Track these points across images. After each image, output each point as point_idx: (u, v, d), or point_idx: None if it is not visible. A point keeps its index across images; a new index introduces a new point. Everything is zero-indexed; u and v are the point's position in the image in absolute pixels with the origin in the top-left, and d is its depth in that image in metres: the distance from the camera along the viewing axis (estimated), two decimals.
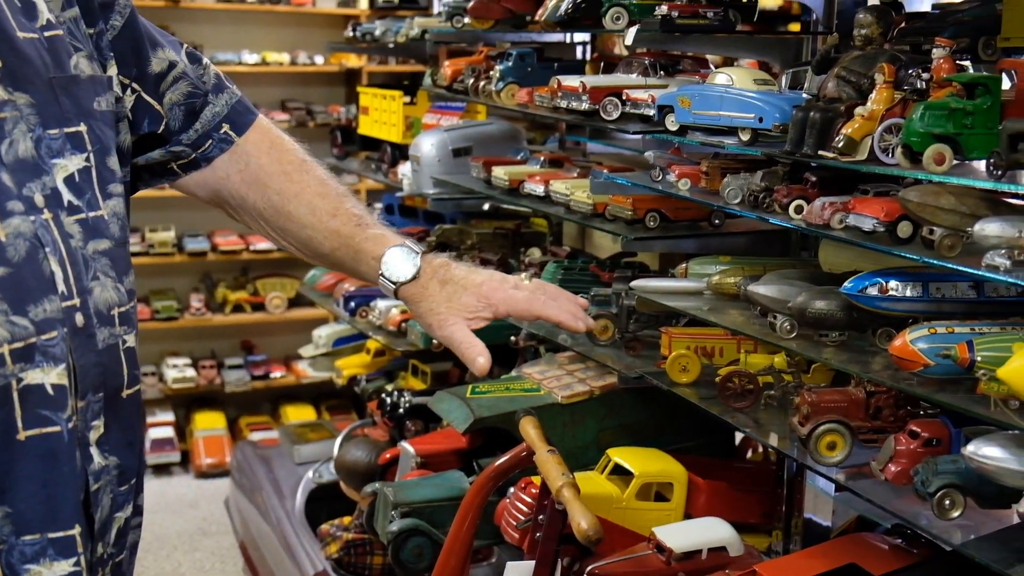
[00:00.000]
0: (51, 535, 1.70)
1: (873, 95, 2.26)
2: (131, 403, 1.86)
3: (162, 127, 2.08)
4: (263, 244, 8.09)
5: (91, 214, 1.80)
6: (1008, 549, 2.08)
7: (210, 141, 2.13)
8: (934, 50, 2.21)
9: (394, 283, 2.17)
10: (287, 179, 2.17)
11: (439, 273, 2.19)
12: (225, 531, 6.39)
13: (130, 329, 1.85)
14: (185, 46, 2.15)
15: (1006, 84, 2.17)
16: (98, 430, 1.78)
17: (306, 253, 2.25)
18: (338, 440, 4.92)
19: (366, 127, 5.65)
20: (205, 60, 2.18)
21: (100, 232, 1.81)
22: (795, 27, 3.45)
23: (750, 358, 2.89)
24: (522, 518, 2.96)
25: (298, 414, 7.83)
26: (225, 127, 2.14)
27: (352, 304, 4.98)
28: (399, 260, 2.17)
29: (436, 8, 6.05)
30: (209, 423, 7.88)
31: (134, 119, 2.03)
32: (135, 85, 2.02)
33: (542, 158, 4.04)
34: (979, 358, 1.98)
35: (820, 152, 2.33)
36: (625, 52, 3.53)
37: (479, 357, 2.16)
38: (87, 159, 1.81)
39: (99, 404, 1.78)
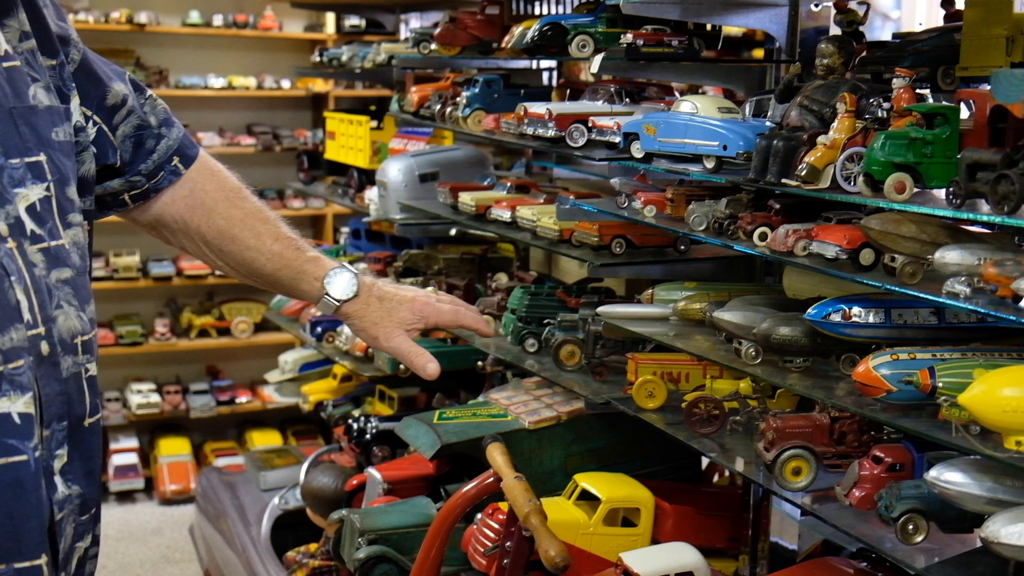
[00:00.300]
0: (17, 565, 1.69)
1: (835, 124, 2.29)
2: (92, 432, 1.87)
3: (119, 159, 2.14)
4: None
5: (53, 243, 1.81)
6: (970, 573, 2.10)
7: (162, 172, 2.21)
8: (894, 80, 2.25)
9: (338, 301, 2.35)
10: (231, 205, 2.30)
11: (374, 290, 2.40)
12: (189, 559, 6.33)
13: (92, 358, 1.87)
14: (128, 75, 2.22)
15: (965, 114, 2.20)
16: (62, 459, 1.78)
17: (241, 272, 2.36)
18: (304, 466, 4.89)
19: (333, 152, 5.66)
20: (149, 91, 2.25)
21: (62, 261, 1.82)
22: (759, 53, 3.49)
23: (716, 383, 2.90)
24: (489, 544, 2.95)
25: (264, 439, 7.78)
26: (175, 160, 2.24)
27: (319, 329, 4.97)
28: (341, 280, 2.35)
29: (403, 33, 6.07)
30: (174, 449, 7.80)
31: (98, 150, 2.07)
32: (96, 117, 2.07)
33: (509, 184, 4.05)
34: (941, 384, 2.01)
35: (783, 180, 2.35)
36: (591, 78, 3.56)
37: (429, 364, 2.40)
38: (47, 188, 1.82)
39: (63, 433, 1.78)
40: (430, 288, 3.21)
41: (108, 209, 2.23)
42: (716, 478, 3.71)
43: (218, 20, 8.01)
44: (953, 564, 2.16)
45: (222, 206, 2.29)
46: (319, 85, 8.22)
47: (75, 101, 1.99)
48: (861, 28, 2.94)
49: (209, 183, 2.29)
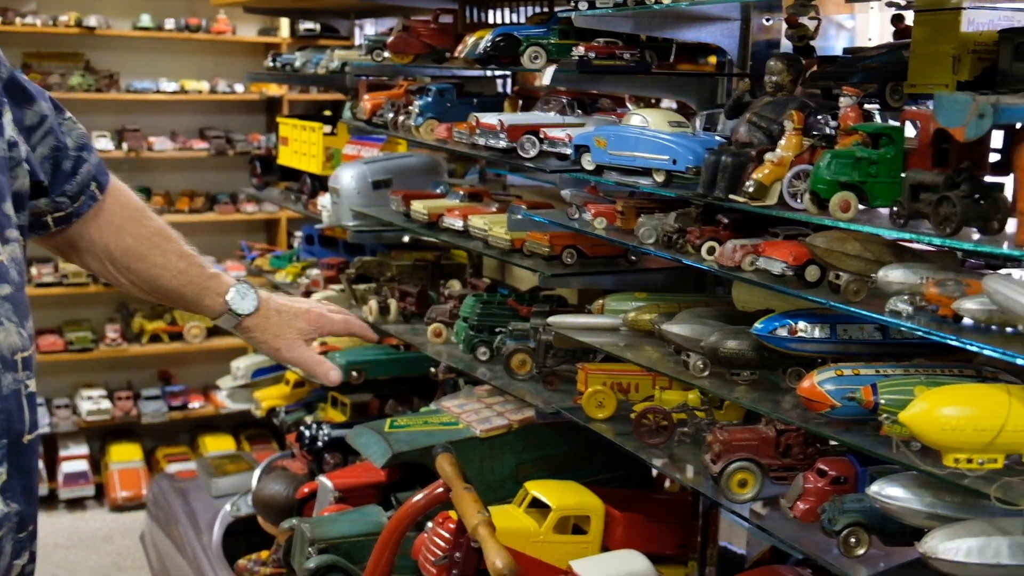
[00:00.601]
0: None
1: (783, 141, 2.32)
2: (31, 449, 1.86)
3: (47, 181, 2.15)
4: None
5: None
6: None
7: (83, 197, 2.25)
8: (841, 99, 2.27)
9: (239, 315, 2.46)
10: (138, 224, 2.38)
11: (271, 304, 2.52)
12: (140, 566, 6.26)
13: (31, 374, 1.87)
14: (47, 95, 2.21)
15: (911, 132, 2.23)
16: (1, 477, 1.77)
17: (143, 288, 2.42)
18: (256, 473, 4.87)
19: (286, 158, 5.63)
20: (68, 113, 2.27)
21: (1, 277, 1.81)
22: (712, 60, 3.52)
23: (665, 394, 2.92)
24: (440, 553, 2.96)
25: (217, 444, 7.73)
26: (92, 184, 2.27)
27: None
28: (242, 296, 2.47)
29: (358, 39, 6.05)
30: (125, 455, 7.74)
31: (30, 167, 2.05)
32: (18, 136, 2.05)
33: (461, 192, 4.05)
34: (883, 401, 2.03)
35: (731, 196, 2.38)
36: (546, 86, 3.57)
37: (331, 371, 2.54)
38: None
39: (2, 451, 1.77)
40: (316, 297, 3.43)
41: (30, 231, 2.21)
42: (668, 483, 3.74)
43: (170, 24, 7.95)
44: (893, 573, 2.20)
45: (129, 225, 2.36)
46: (273, 89, 8.18)
47: (8, 116, 1.98)
48: (812, 43, 2.97)
49: (115, 203, 2.34)
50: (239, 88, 8.26)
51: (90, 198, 2.27)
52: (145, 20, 7.92)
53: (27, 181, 2.03)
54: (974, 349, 1.86)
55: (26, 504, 1.85)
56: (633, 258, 3.28)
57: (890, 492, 2.03)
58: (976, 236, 1.95)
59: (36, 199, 2.15)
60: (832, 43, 5.95)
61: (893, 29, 2.91)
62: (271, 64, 5.88)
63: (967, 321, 1.93)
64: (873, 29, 4.34)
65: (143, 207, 2.43)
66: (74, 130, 2.26)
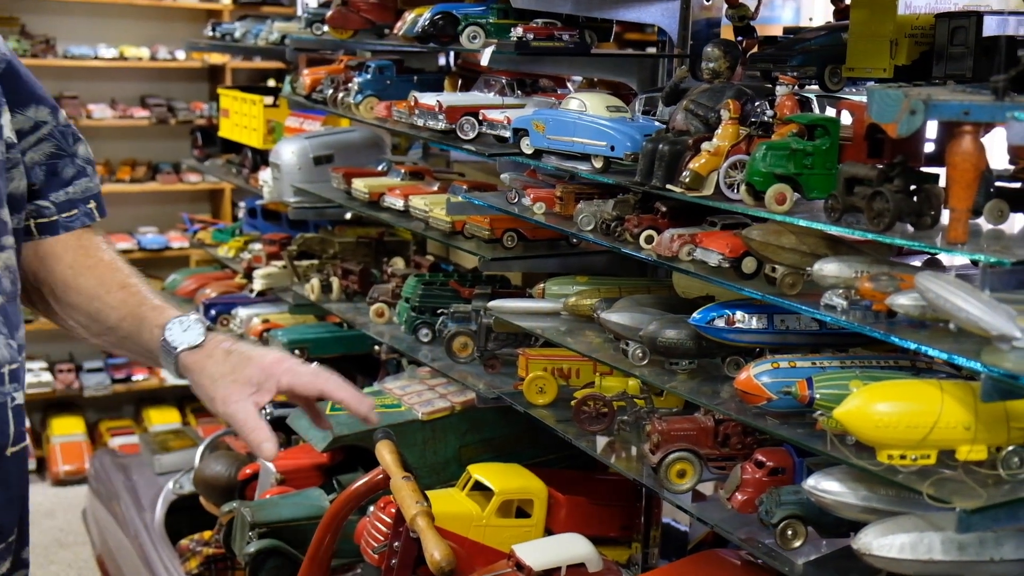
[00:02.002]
0: None
1: (719, 131, 2.30)
2: (15, 461, 1.81)
3: (40, 183, 2.02)
4: (125, 243, 7.87)
5: None
6: (848, 568, 2.14)
7: (76, 211, 2.08)
8: (778, 87, 2.25)
9: (175, 348, 2.05)
10: (83, 253, 2.13)
11: (224, 344, 2.09)
12: (83, 542, 6.21)
13: (19, 387, 1.79)
14: (53, 102, 2.09)
15: (847, 120, 2.22)
16: None
17: (92, 331, 2.14)
18: (199, 450, 4.83)
19: (227, 130, 5.54)
20: (74, 127, 2.13)
21: None
22: (651, 38, 3.49)
23: (606, 380, 2.91)
24: (381, 539, 2.93)
25: (162, 417, 7.66)
26: (92, 204, 2.11)
27: (212, 312, 4.89)
28: (185, 327, 2.08)
29: (300, 9, 5.95)
30: (67, 428, 7.65)
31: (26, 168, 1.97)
32: (15, 137, 1.95)
33: (403, 171, 4.01)
34: (818, 396, 2.03)
35: (668, 186, 2.35)
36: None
37: (264, 443, 2.03)
38: None
39: None
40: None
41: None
42: (613, 459, 3.74)
43: None
44: (831, 562, 2.21)
45: (70, 254, 2.11)
46: (216, 57, 8.05)
47: (6, 116, 1.87)
48: (752, 23, 2.96)
49: (68, 236, 2.13)
50: (180, 55, 8.12)
51: (86, 215, 2.09)
52: None
53: (24, 183, 1.93)
54: (907, 346, 1.86)
55: (8, 514, 1.81)
56: (575, 241, 3.26)
57: (826, 486, 2.03)
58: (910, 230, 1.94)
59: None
60: (779, 13, 5.95)
61: (833, 9, 2.90)
62: (211, 34, 5.78)
63: (902, 315, 1.92)
64: (817, 8, 4.35)
65: (97, 240, 2.17)
66: (81, 143, 2.12)
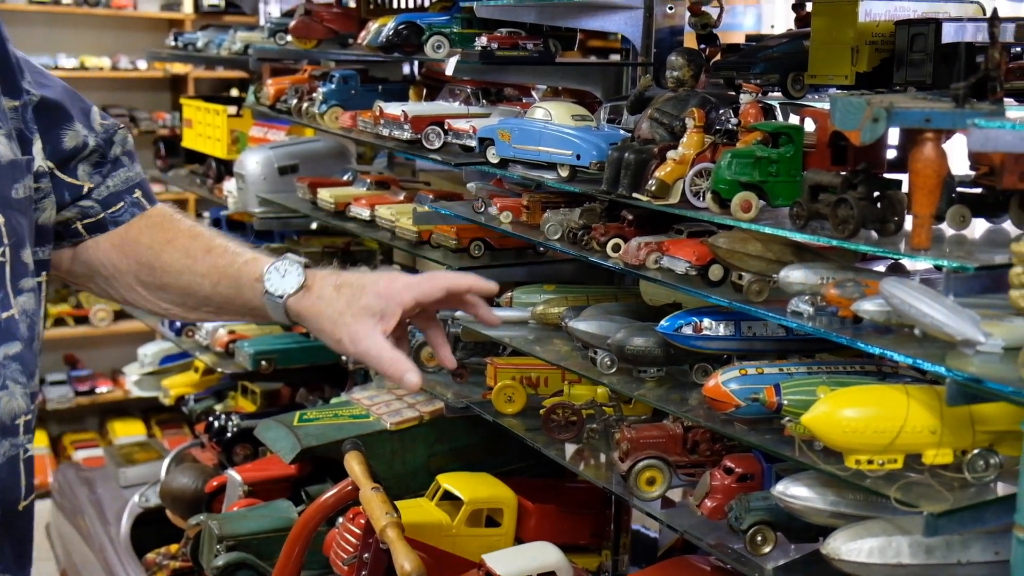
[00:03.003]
0: None
1: (684, 139, 2.31)
2: (26, 514, 1.75)
3: (84, 193, 1.94)
4: None
5: (3, 315, 1.65)
6: (817, 573, 2.15)
7: (122, 203, 1.98)
8: (741, 96, 2.27)
9: (280, 296, 1.94)
10: (159, 230, 2.03)
11: (329, 280, 1.98)
12: (46, 557, 6.12)
13: (32, 436, 1.72)
14: (95, 108, 2.01)
15: (811, 127, 2.24)
16: None
17: (189, 305, 2.04)
18: (165, 463, 4.79)
19: (190, 140, 5.51)
20: (121, 124, 2.05)
21: (11, 335, 1.66)
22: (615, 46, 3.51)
23: (574, 389, 2.91)
24: (351, 550, 2.92)
25: (127, 430, 7.60)
26: (138, 192, 2.00)
27: (177, 324, 4.86)
28: (282, 273, 1.96)
29: (263, 18, 5.93)
30: None
31: (57, 196, 1.88)
32: (50, 163, 1.86)
33: (368, 180, 4.00)
34: (786, 402, 2.05)
35: (635, 194, 2.36)
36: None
37: (407, 373, 1.92)
38: (2, 254, 1.66)
39: None
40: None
41: (62, 241, 1.98)
42: (583, 467, 3.75)
43: None
44: (800, 567, 2.22)
45: (147, 234, 2.01)
46: (178, 67, 8.01)
47: (37, 144, 1.79)
48: (715, 31, 2.97)
49: (139, 218, 2.04)
50: (142, 65, 8.07)
51: (134, 205, 1.99)
52: None
53: (53, 212, 1.84)
54: (872, 351, 1.87)
55: (16, 570, 1.76)
56: (542, 250, 3.26)
57: (794, 491, 2.04)
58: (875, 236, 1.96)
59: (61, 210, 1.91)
60: (740, 19, 5.98)
61: (794, 16, 2.92)
62: (173, 43, 5.75)
63: (867, 321, 1.94)
64: (778, 14, 4.37)
65: (170, 212, 2.08)
66: (118, 131, 2.01)
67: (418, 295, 2.00)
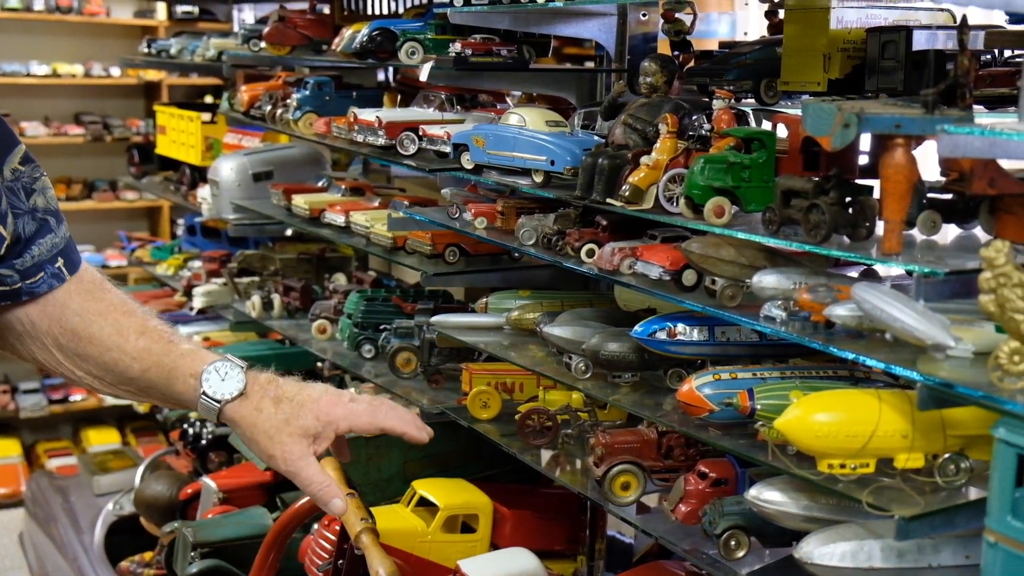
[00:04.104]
0: None
1: (657, 145, 2.31)
2: None
3: (3, 248, 1.80)
4: None
5: None
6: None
7: (42, 274, 1.87)
8: (714, 102, 2.28)
9: (218, 401, 1.94)
10: (91, 298, 1.95)
11: (269, 390, 1.99)
12: (19, 566, 6.08)
13: None
14: (23, 148, 1.88)
15: (783, 133, 2.25)
16: None
17: (106, 380, 1.98)
18: (139, 470, 4.77)
19: (164, 147, 5.50)
20: (41, 171, 1.90)
21: None
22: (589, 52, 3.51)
23: (549, 394, 2.91)
24: (326, 557, 2.92)
25: (101, 438, 7.55)
26: (60, 261, 1.89)
27: None
28: (222, 376, 1.94)
29: (236, 24, 5.92)
30: (2, 451, 7.51)
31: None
32: None
33: (343, 187, 4.00)
34: (759, 407, 2.06)
35: (608, 200, 2.37)
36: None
37: (335, 499, 2.03)
38: None
39: None
40: (353, 389, 2.75)
41: None
42: (558, 473, 3.75)
43: (39, 4, 7.70)
44: (774, 571, 2.22)
45: (76, 300, 1.92)
46: (151, 74, 7.98)
47: None
48: (688, 37, 2.98)
49: (70, 281, 1.93)
50: (115, 72, 8.03)
51: (54, 276, 1.88)
52: (12, 1, 7.64)
53: None
54: (844, 356, 1.88)
55: None
56: (517, 255, 3.27)
57: (768, 496, 2.05)
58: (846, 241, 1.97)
59: None
60: (715, 26, 6.00)
61: (767, 23, 2.93)
62: (146, 50, 5.73)
63: (839, 326, 1.95)
64: (752, 21, 4.40)
65: (100, 279, 1.99)
66: (48, 189, 1.87)
67: (355, 427, 2.05)
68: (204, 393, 1.94)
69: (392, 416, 2.11)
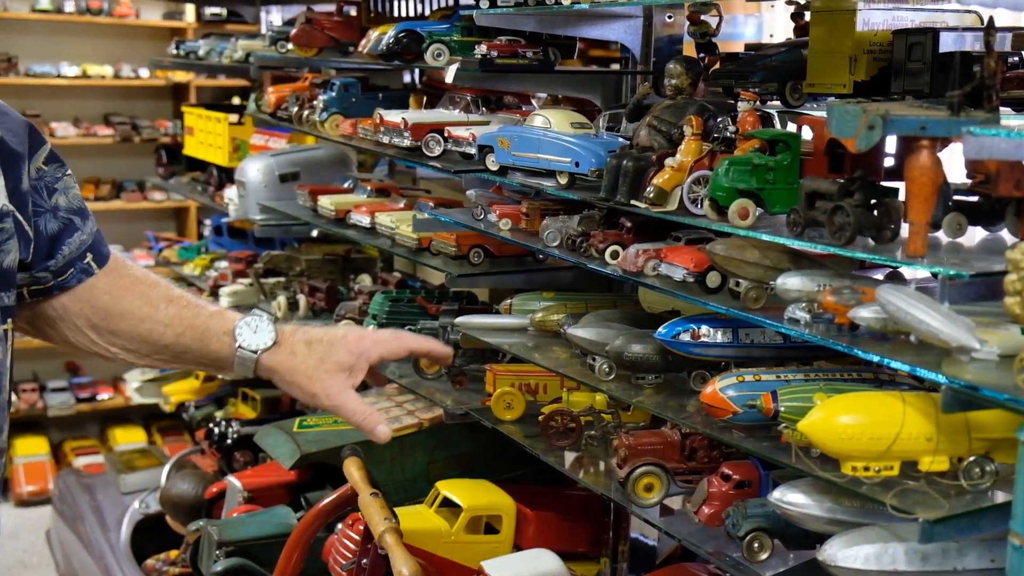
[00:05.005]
0: None
1: (682, 146, 2.31)
2: None
3: (31, 252, 1.86)
4: None
5: None
6: None
7: (72, 270, 1.94)
8: (739, 103, 2.27)
9: (254, 351, 2.03)
10: (115, 276, 2.02)
11: (299, 335, 2.07)
12: (47, 563, 6.13)
13: None
14: (49, 147, 1.93)
15: (808, 135, 2.25)
16: None
17: (141, 352, 2.05)
18: (165, 469, 4.80)
19: (191, 148, 5.53)
20: (68, 170, 1.96)
21: None
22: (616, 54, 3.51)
23: (573, 395, 2.91)
24: (350, 556, 2.93)
25: (127, 437, 7.59)
26: (89, 257, 1.96)
27: None
28: (254, 328, 2.04)
29: (264, 26, 5.96)
30: (30, 448, 7.56)
31: (19, 240, 1.81)
32: (10, 204, 1.79)
33: (369, 188, 4.01)
34: (783, 408, 2.05)
35: (633, 201, 2.37)
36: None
37: (379, 426, 2.09)
38: None
39: None
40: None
41: None
42: (581, 474, 3.75)
43: (70, 6, 7.76)
44: (797, 574, 2.22)
45: (103, 279, 1.99)
46: (180, 75, 8.03)
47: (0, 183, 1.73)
48: (714, 39, 2.98)
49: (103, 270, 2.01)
50: (144, 73, 8.08)
51: (82, 272, 1.95)
52: (44, 2, 7.73)
53: (17, 255, 1.78)
54: (869, 358, 1.88)
55: None
56: (541, 257, 3.27)
57: (791, 498, 2.04)
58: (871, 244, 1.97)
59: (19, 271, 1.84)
60: (741, 28, 5.98)
61: (793, 26, 2.93)
62: (175, 52, 5.77)
63: (864, 328, 1.94)
64: (778, 23, 4.38)
65: (122, 259, 2.06)
66: (71, 189, 1.94)
67: (384, 353, 2.15)
68: (240, 347, 2.03)
69: (417, 339, 2.27)
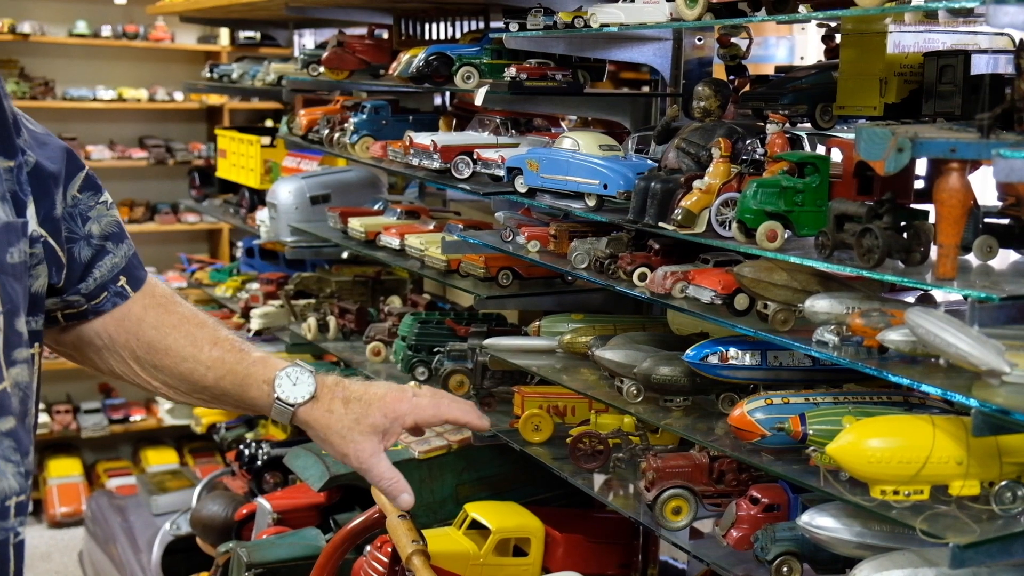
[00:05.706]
0: None
1: (710, 169, 2.31)
2: None
3: (63, 277, 1.87)
4: None
5: None
6: None
7: (105, 293, 1.95)
8: (768, 126, 2.27)
9: (291, 405, 2.05)
10: (163, 311, 2.03)
11: (338, 391, 2.09)
12: None
13: (24, 519, 1.64)
14: (87, 171, 1.95)
15: (837, 157, 2.24)
16: None
17: (181, 389, 2.06)
18: (196, 491, 4.82)
19: (224, 170, 5.57)
20: (105, 194, 1.98)
21: (3, 409, 1.60)
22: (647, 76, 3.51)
23: (601, 418, 2.91)
24: None
25: (159, 458, 7.64)
26: (122, 280, 1.97)
27: None
28: (293, 380, 2.05)
29: (297, 48, 6.00)
30: (64, 470, 7.61)
31: (49, 266, 1.82)
32: (42, 228, 1.79)
33: (399, 210, 4.03)
34: (811, 432, 2.04)
35: (661, 224, 2.37)
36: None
37: (403, 494, 2.13)
38: None
39: None
40: (412, 383, 2.84)
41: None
42: (610, 497, 3.74)
43: (106, 31, 7.85)
44: None
45: (152, 313, 2.01)
46: (214, 98, 8.10)
47: (31, 208, 1.74)
48: (743, 62, 2.98)
49: (142, 295, 2.02)
50: (179, 96, 8.17)
51: (116, 295, 1.96)
52: (81, 27, 7.81)
53: (46, 280, 1.79)
54: (899, 381, 1.86)
55: None
56: (569, 279, 3.27)
57: (820, 522, 2.03)
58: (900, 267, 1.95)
59: (50, 296, 1.85)
60: (772, 50, 5.98)
61: (824, 48, 2.92)
62: (209, 75, 5.83)
63: (893, 351, 1.93)
64: (809, 45, 4.38)
65: (171, 294, 2.08)
66: (104, 216, 1.95)
67: (419, 420, 2.18)
68: (278, 398, 2.04)
69: (454, 407, 2.24)
